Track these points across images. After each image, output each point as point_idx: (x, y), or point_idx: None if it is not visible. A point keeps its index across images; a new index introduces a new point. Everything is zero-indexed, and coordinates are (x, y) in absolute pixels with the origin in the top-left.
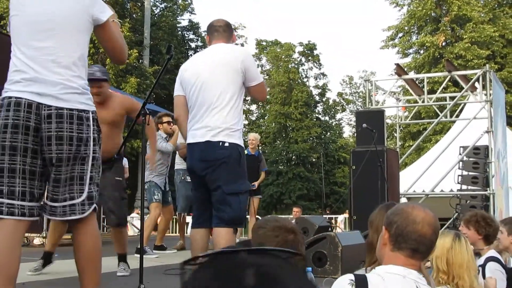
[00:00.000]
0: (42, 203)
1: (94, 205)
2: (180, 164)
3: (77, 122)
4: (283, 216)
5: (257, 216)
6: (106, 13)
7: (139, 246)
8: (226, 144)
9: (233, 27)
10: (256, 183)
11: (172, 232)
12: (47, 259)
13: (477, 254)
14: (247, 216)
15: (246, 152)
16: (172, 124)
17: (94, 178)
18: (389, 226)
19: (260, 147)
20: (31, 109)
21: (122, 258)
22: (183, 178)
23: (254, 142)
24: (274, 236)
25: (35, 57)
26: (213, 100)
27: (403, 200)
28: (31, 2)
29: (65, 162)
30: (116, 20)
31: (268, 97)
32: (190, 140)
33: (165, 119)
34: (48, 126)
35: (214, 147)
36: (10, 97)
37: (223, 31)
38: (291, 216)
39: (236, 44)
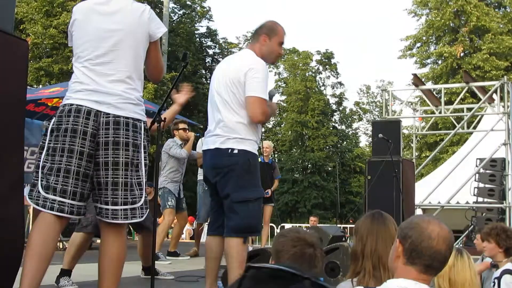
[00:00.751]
0: (98, 208)
1: (147, 209)
2: (202, 175)
3: (133, 129)
4: (301, 225)
5: (271, 224)
6: (161, 29)
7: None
8: (235, 151)
9: (251, 34)
10: (269, 191)
11: (190, 238)
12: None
13: (495, 266)
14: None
15: (260, 159)
16: (187, 131)
17: (145, 184)
18: (403, 239)
19: (275, 155)
20: (90, 116)
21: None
22: (206, 188)
23: (268, 150)
24: (292, 246)
25: (96, 70)
26: (223, 110)
27: (418, 211)
28: (95, 19)
29: (123, 166)
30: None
31: (284, 105)
32: (203, 147)
33: (181, 125)
34: (106, 132)
35: (223, 154)
36: (71, 104)
37: (254, 34)
38: (308, 224)
39: None
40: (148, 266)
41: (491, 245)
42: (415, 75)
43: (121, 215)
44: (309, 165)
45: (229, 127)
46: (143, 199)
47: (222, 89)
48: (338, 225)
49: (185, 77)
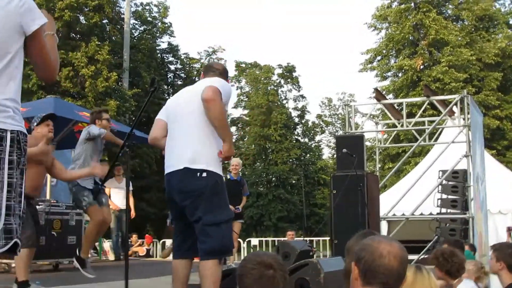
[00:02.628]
0: None
1: (14, 240)
2: None
3: None
4: (268, 239)
5: (239, 240)
6: (37, 21)
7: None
8: (204, 175)
9: (212, 49)
10: (240, 207)
11: (155, 256)
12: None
13: None
14: None
15: (228, 177)
16: (110, 122)
17: (13, 209)
18: (358, 262)
19: (240, 170)
20: None
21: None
22: None
23: (237, 167)
24: (251, 269)
25: None
26: (187, 132)
27: (383, 223)
28: None
29: None
30: (54, 33)
31: (247, 119)
32: (167, 170)
33: (105, 115)
34: None
35: (191, 177)
36: None
37: (219, 73)
38: (283, 238)
39: None
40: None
41: (436, 270)
42: (376, 89)
43: None
44: (273, 179)
45: (194, 150)
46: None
47: (184, 111)
48: (305, 238)
49: (147, 93)
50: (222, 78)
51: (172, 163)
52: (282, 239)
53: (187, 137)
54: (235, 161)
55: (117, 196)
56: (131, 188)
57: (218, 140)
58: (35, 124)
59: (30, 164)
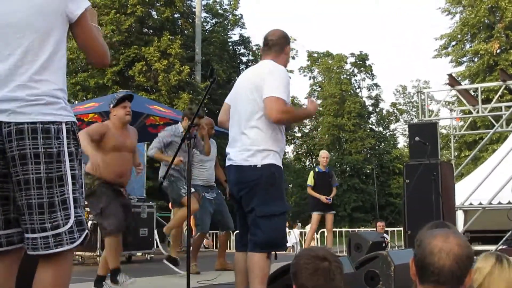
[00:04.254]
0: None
1: (86, 231)
2: (197, 180)
3: (43, 136)
4: (342, 229)
5: (334, 229)
6: (81, 5)
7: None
8: (259, 166)
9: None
10: (331, 197)
11: (213, 248)
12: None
13: None
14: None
15: (317, 169)
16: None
17: (79, 201)
18: (414, 258)
19: (313, 159)
20: None
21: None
22: (203, 194)
23: (326, 160)
24: (305, 264)
25: None
26: (244, 120)
27: (460, 213)
28: None
29: (35, 184)
30: (96, 24)
31: (320, 108)
32: (227, 162)
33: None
34: (10, 145)
35: (246, 169)
36: None
37: (272, 45)
38: (374, 229)
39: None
40: (115, 268)
41: None
42: (450, 75)
43: (41, 244)
44: (348, 168)
45: (251, 140)
46: (71, 221)
47: (243, 99)
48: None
49: (219, 86)
50: (277, 54)
51: (231, 156)
52: (357, 230)
53: (245, 127)
54: (324, 154)
55: None
56: None
57: (276, 131)
58: (111, 106)
59: (107, 150)
